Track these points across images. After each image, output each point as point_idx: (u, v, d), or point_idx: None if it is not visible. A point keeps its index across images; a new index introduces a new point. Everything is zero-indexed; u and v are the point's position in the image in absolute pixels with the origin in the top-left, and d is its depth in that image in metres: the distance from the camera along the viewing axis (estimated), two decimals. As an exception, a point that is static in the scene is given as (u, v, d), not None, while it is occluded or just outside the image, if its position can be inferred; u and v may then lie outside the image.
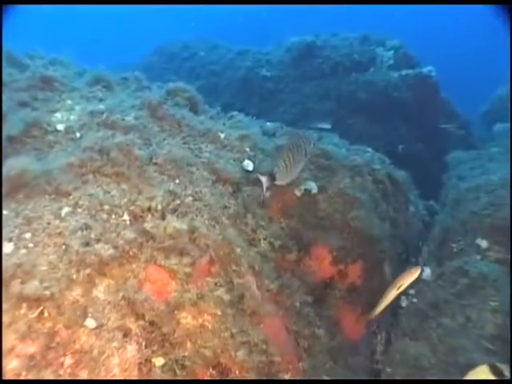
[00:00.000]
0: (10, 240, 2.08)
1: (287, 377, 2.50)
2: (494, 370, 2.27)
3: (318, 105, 8.18)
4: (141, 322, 2.07)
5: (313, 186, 3.54)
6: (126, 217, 2.38)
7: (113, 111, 3.09)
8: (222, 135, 3.51)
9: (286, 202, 3.40)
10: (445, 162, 5.46)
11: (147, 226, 2.33)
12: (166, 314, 2.13)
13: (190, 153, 3.10)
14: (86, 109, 3.13)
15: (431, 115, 7.93)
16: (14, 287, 1.87)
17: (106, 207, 2.36)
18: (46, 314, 1.88)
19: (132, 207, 2.42)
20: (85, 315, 1.96)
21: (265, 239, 3.02)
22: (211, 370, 2.21)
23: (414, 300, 3.62)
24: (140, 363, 1.99)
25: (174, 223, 2.36)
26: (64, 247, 2.10)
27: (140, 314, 2.07)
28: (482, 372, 2.29)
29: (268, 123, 4.41)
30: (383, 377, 3.28)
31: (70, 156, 2.58)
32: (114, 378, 1.89)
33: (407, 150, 7.31)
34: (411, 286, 3.10)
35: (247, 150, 3.52)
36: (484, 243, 3.71)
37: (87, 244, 2.14)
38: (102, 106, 3.16)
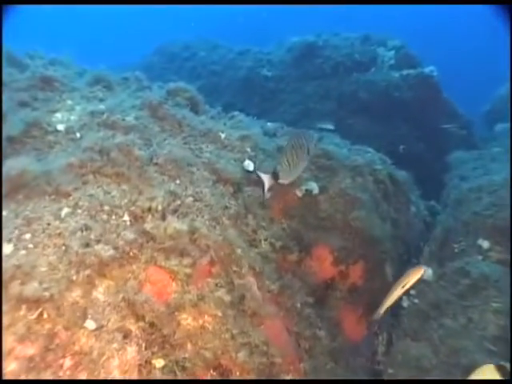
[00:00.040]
0: (10, 241, 2.08)
1: (288, 378, 2.49)
2: (501, 369, 2.25)
3: (318, 105, 8.16)
4: (141, 324, 2.06)
5: (314, 187, 3.53)
6: (126, 217, 2.37)
7: (113, 111, 3.08)
8: (223, 135, 3.50)
9: (287, 202, 3.39)
10: (446, 162, 5.43)
11: (147, 226, 2.32)
12: (167, 315, 2.12)
13: (190, 153, 3.09)
14: (87, 109, 3.12)
15: (433, 115, 7.91)
16: (13, 288, 1.86)
17: (106, 208, 2.35)
18: (45, 316, 1.87)
19: (132, 208, 2.41)
20: (84, 316, 1.95)
21: (266, 240, 3.01)
22: (212, 371, 2.19)
23: (416, 301, 3.60)
24: (140, 365, 1.98)
25: (175, 224, 2.35)
26: (64, 248, 2.09)
27: (140, 316, 2.06)
28: (488, 371, 2.28)
29: (269, 123, 4.40)
30: (385, 378, 3.27)
31: (70, 156, 2.57)
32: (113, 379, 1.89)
33: (408, 150, 7.28)
34: (412, 286, 3.09)
35: (248, 150, 3.51)
36: (486, 244, 3.69)
37: (87, 245, 2.13)
38: (102, 106, 3.16)
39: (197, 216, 2.55)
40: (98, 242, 2.16)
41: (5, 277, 1.88)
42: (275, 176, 2.79)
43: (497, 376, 2.24)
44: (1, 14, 3.15)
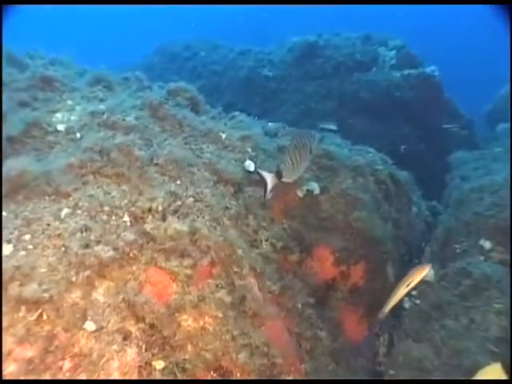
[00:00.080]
0: (9, 242, 2.07)
1: (289, 379, 2.48)
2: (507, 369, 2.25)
3: (320, 105, 8.15)
4: (141, 325, 2.05)
5: (315, 187, 3.52)
6: (126, 218, 2.35)
7: (113, 111, 3.08)
8: (224, 135, 3.48)
9: (288, 202, 3.38)
10: (448, 162, 5.42)
11: (148, 227, 2.31)
12: (167, 316, 2.11)
13: (191, 153, 3.08)
14: (87, 109, 3.11)
15: (434, 115, 7.89)
16: (12, 290, 1.84)
17: (106, 208, 2.34)
18: (44, 317, 1.86)
19: (132, 208, 2.40)
20: (84, 318, 1.93)
21: (266, 240, 3.00)
22: (212, 372, 2.18)
23: (417, 301, 3.59)
24: (140, 366, 1.97)
25: (175, 224, 2.34)
26: (63, 249, 2.08)
27: (140, 317, 2.05)
28: (491, 372, 2.27)
29: (270, 123, 4.39)
30: (386, 379, 3.26)
31: (70, 157, 2.56)
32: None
33: (410, 150, 7.27)
34: (417, 285, 3.07)
35: (249, 150, 3.49)
36: (487, 244, 3.68)
37: (87, 246, 2.12)
38: (102, 107, 3.15)
39: (197, 217, 2.54)
40: (98, 242, 2.15)
41: (4, 278, 1.87)
42: (279, 175, 2.77)
43: (499, 377, 2.23)
44: (1, 14, 3.15)
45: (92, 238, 2.16)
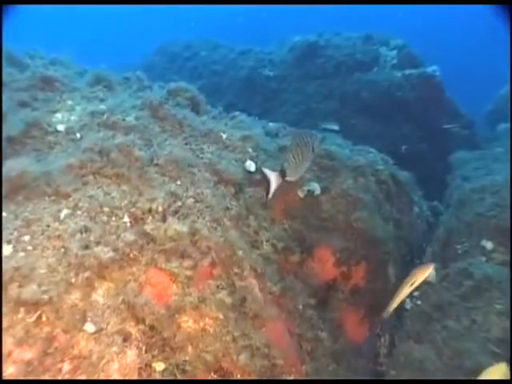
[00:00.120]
0: (9, 242, 2.06)
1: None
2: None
3: (320, 104, 8.14)
4: (141, 327, 2.04)
5: (316, 187, 3.51)
6: (126, 219, 2.34)
7: (114, 111, 3.06)
8: (224, 136, 3.47)
9: (289, 203, 3.37)
10: (449, 162, 5.41)
11: (148, 228, 2.30)
12: (167, 317, 2.10)
13: (191, 154, 3.07)
14: (87, 109, 3.10)
15: (435, 115, 7.88)
16: (11, 291, 1.84)
17: (106, 209, 2.33)
18: (44, 319, 1.85)
19: (132, 209, 2.39)
20: (84, 319, 1.92)
21: (267, 241, 2.98)
22: (213, 374, 2.17)
23: (419, 302, 3.58)
24: (140, 368, 1.96)
25: (175, 225, 2.33)
26: (63, 250, 2.07)
27: (140, 318, 2.04)
28: (499, 371, 2.26)
29: (271, 123, 4.38)
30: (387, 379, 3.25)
31: (69, 157, 2.55)
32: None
33: (410, 150, 7.26)
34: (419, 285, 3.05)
35: (249, 150, 3.48)
36: (489, 245, 3.67)
37: (87, 247, 2.11)
38: (102, 107, 3.14)
39: (198, 217, 2.52)
40: (98, 243, 2.14)
41: (3, 279, 1.86)
42: (283, 174, 2.74)
43: (504, 377, 2.22)
44: (1, 14, 3.14)
45: (92, 238, 2.15)
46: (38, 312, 1.85)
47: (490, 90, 8.59)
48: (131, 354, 1.95)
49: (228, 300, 2.34)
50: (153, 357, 2.02)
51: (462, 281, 3.45)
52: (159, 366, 2.02)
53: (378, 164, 4.06)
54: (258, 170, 3.25)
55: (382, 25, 12.11)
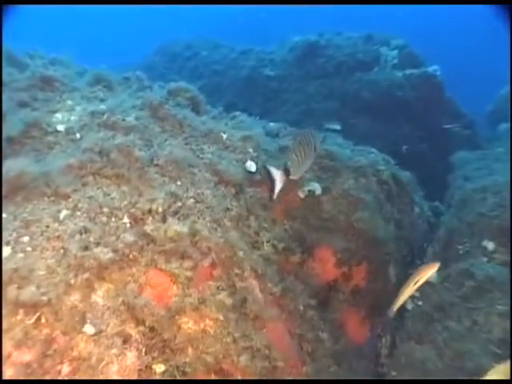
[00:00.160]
0: (8, 244, 2.05)
1: (290, 382, 2.47)
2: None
3: (321, 104, 8.13)
4: (141, 328, 2.03)
5: (316, 187, 3.49)
6: (126, 219, 2.33)
7: (114, 112, 3.05)
8: (225, 136, 3.46)
9: (290, 203, 3.36)
10: (450, 162, 5.40)
11: (148, 228, 2.29)
12: (167, 319, 2.09)
13: (191, 154, 3.06)
14: (87, 109, 3.09)
15: (436, 115, 7.87)
16: (10, 292, 1.83)
17: (106, 210, 2.32)
18: (43, 320, 1.84)
19: (132, 210, 2.38)
20: (83, 321, 1.91)
21: (268, 242, 2.97)
22: (213, 375, 2.16)
23: (420, 303, 3.57)
24: (140, 370, 1.95)
25: (175, 226, 2.32)
26: (62, 251, 2.06)
27: (140, 320, 2.03)
28: (503, 371, 2.25)
29: (271, 123, 4.37)
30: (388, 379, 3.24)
31: (69, 157, 2.54)
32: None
33: (411, 150, 7.25)
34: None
35: (250, 150, 3.46)
36: (491, 245, 3.65)
37: (86, 248, 2.10)
38: (102, 107, 3.13)
39: (198, 218, 2.51)
40: (98, 244, 2.13)
41: (2, 280, 1.85)
42: (287, 172, 2.71)
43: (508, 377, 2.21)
44: (1, 14, 3.13)
45: (91, 239, 2.14)
46: (37, 314, 1.84)
47: (490, 89, 8.58)
48: (131, 356, 1.94)
49: (228, 301, 2.33)
50: (153, 358, 2.01)
51: (463, 281, 3.43)
52: (159, 368, 2.01)
53: (379, 164, 4.05)
54: (259, 170, 3.24)
55: (383, 25, 12.11)
